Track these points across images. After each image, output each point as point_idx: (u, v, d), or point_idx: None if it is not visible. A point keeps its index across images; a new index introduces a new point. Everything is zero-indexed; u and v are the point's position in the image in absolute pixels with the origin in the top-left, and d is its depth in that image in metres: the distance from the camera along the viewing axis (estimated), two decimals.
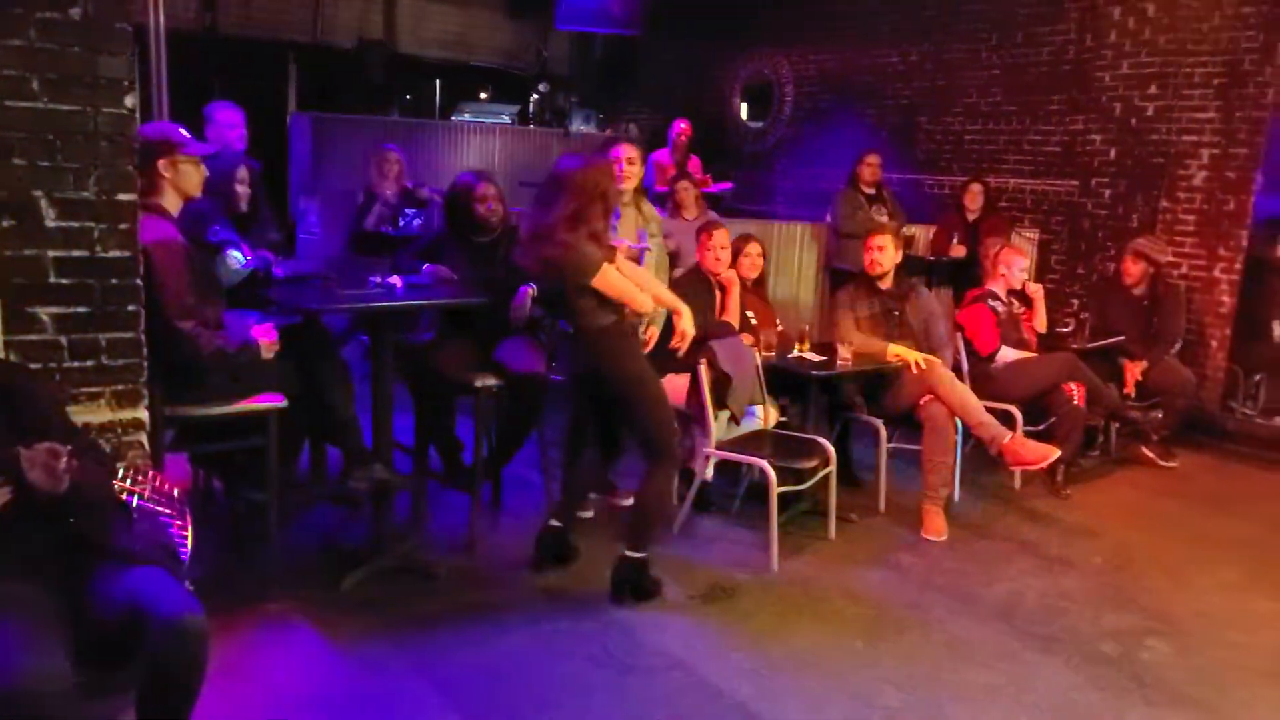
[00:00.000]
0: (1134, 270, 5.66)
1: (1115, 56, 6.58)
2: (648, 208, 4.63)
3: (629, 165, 4.36)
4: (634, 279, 3.56)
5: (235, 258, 3.51)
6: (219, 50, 8.72)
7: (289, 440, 3.66)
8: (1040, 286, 5.58)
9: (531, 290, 3.89)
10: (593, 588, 3.62)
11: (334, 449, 3.92)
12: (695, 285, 4.69)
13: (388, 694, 2.89)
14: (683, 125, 7.32)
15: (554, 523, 3.76)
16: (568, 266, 3.35)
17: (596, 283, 3.34)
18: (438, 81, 10.50)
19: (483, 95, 10.88)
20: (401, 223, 6.25)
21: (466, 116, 9.82)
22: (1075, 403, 4.85)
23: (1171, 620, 3.63)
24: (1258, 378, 6.40)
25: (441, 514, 4.17)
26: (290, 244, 7.07)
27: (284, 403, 3.30)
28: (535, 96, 10.33)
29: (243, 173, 3.85)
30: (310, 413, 3.54)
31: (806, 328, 4.78)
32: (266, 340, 3.26)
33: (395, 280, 3.58)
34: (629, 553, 3.54)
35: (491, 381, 3.82)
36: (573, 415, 4.23)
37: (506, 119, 9.92)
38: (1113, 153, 6.67)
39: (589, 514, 4.26)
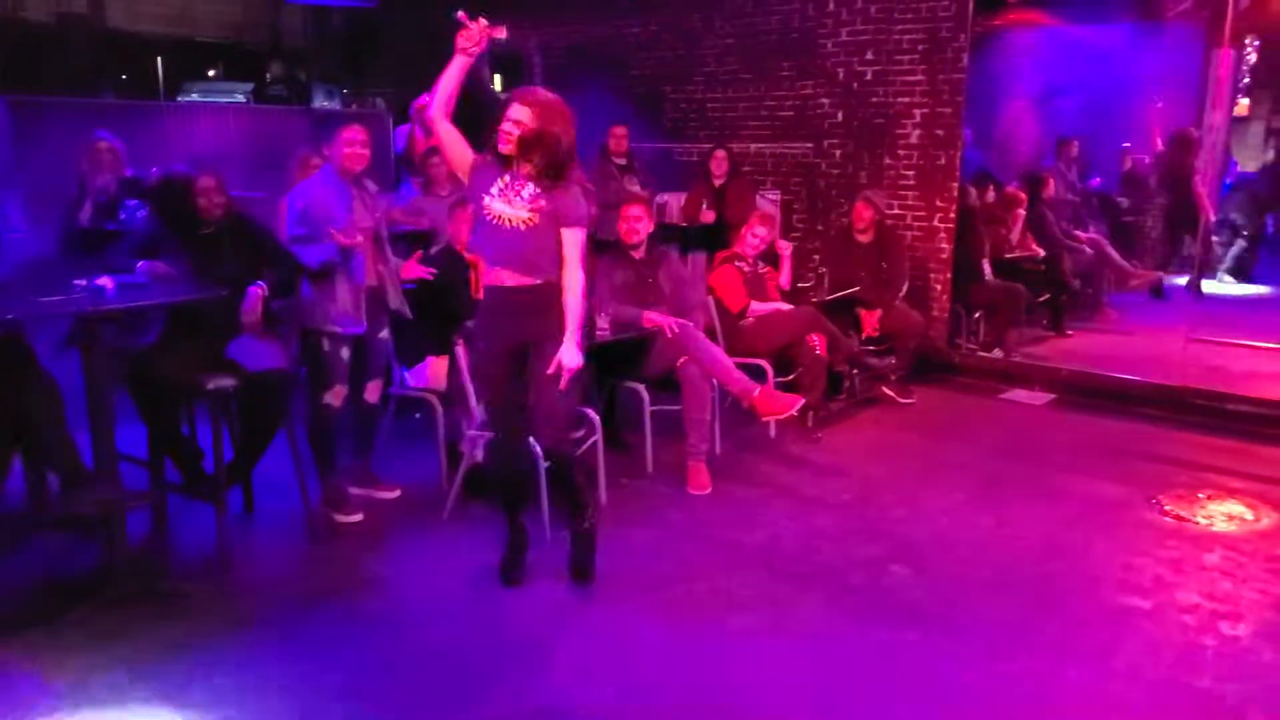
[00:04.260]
0: (865, 215, 6.05)
1: (835, 25, 6.98)
2: (372, 186, 4.25)
3: (361, 148, 4.16)
4: None
5: None
6: None
7: None
8: (790, 244, 5.87)
9: (262, 290, 3.64)
10: (357, 590, 3.50)
11: None
12: (450, 263, 4.61)
13: None
14: (428, 98, 7.07)
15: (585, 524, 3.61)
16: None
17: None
18: (159, 59, 9.69)
19: (211, 73, 10.14)
20: (123, 215, 5.71)
21: (195, 96, 9.12)
22: (818, 353, 5.16)
23: (910, 545, 3.95)
24: (976, 315, 7.08)
25: (189, 529, 3.88)
26: None
27: None
28: (270, 74, 9.75)
29: None
30: (15, 433, 3.18)
31: None
32: None
33: (106, 281, 3.26)
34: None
35: (226, 382, 3.57)
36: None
37: (240, 97, 9.29)
38: (840, 115, 7.09)
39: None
